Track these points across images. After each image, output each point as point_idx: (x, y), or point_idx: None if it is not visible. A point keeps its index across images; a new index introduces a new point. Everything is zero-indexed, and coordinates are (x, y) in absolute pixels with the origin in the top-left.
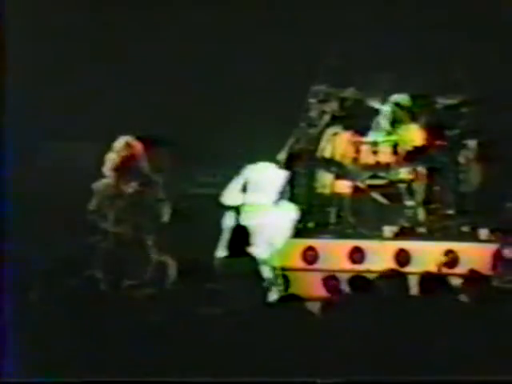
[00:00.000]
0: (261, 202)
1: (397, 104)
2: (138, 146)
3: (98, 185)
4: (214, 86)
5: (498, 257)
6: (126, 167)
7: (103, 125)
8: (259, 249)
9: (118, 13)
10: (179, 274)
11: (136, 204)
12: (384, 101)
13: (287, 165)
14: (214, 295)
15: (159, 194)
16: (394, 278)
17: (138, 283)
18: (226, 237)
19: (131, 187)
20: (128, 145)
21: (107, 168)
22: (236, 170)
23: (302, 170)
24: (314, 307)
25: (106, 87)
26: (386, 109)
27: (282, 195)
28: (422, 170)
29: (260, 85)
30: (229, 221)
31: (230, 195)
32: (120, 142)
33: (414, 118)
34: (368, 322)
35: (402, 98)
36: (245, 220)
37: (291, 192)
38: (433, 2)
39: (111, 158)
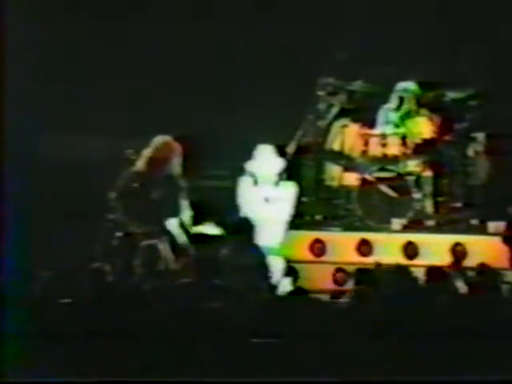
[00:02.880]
0: (266, 188)
1: (405, 90)
2: (177, 147)
3: (127, 173)
4: (222, 81)
5: None
6: (158, 165)
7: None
8: (268, 238)
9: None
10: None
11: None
12: (391, 92)
13: (295, 157)
14: (220, 289)
15: (181, 198)
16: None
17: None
18: (233, 230)
19: (157, 191)
20: (166, 144)
21: (141, 162)
22: (245, 162)
23: (310, 162)
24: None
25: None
26: (394, 98)
27: (280, 179)
28: (430, 162)
29: (268, 78)
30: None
31: (244, 193)
32: (158, 140)
33: (422, 110)
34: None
35: (410, 84)
36: (251, 210)
37: (299, 185)
38: None
39: (146, 154)
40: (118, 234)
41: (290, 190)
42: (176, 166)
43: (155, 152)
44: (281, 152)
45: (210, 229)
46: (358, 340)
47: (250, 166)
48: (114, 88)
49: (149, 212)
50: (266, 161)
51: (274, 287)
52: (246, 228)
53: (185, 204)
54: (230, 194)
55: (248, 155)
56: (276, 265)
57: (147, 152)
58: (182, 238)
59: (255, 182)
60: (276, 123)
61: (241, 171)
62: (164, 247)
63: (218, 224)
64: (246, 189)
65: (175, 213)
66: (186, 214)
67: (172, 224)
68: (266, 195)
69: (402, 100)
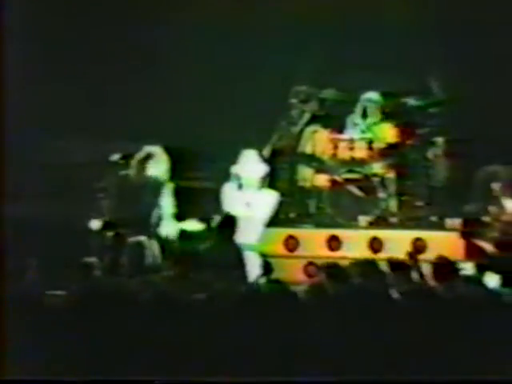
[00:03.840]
0: (248, 193)
1: (369, 100)
2: (162, 157)
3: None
4: (206, 90)
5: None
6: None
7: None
8: (247, 236)
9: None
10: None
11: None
12: (358, 100)
13: (271, 160)
14: (200, 282)
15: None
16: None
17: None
18: (215, 227)
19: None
20: (151, 155)
21: (131, 167)
22: (226, 163)
23: (284, 164)
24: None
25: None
26: (359, 106)
27: (263, 184)
28: (394, 165)
29: (246, 85)
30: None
31: (228, 196)
32: (145, 152)
33: (386, 117)
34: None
35: (374, 94)
36: (233, 211)
37: (274, 185)
38: (408, 10)
39: (133, 165)
40: (109, 233)
41: (271, 196)
42: (163, 171)
43: (145, 159)
44: (268, 157)
45: (192, 225)
46: (328, 327)
47: (235, 169)
48: (102, 94)
49: (137, 211)
50: (250, 165)
51: (251, 280)
52: (228, 226)
53: (170, 203)
54: (215, 195)
55: (233, 159)
56: (253, 259)
57: (137, 157)
58: (167, 235)
59: (240, 186)
60: (257, 128)
61: (225, 174)
62: (151, 244)
63: (201, 221)
64: (230, 193)
65: (161, 211)
66: (171, 212)
67: (158, 222)
68: (247, 200)
69: (367, 108)
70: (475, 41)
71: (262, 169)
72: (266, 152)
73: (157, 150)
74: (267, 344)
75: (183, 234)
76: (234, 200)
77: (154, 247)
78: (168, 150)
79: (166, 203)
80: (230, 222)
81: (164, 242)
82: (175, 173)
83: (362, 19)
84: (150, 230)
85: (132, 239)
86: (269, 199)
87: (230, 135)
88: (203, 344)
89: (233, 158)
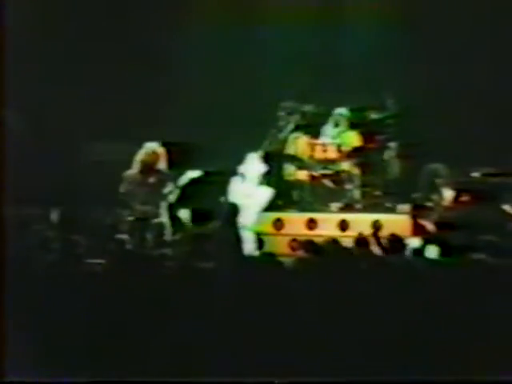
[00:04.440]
0: (249, 186)
1: (339, 114)
2: (161, 152)
3: (127, 174)
4: (210, 103)
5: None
6: (149, 166)
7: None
8: (246, 219)
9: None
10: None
11: (155, 190)
12: (331, 114)
13: (264, 160)
14: (208, 254)
15: (169, 185)
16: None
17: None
18: (222, 211)
19: (152, 179)
20: (153, 151)
21: (135, 164)
22: (228, 163)
23: (274, 163)
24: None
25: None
26: (332, 119)
27: (261, 181)
28: (358, 163)
29: (244, 100)
30: (226, 200)
31: (238, 190)
32: (147, 148)
33: (353, 127)
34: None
35: (343, 110)
36: (236, 200)
37: (267, 179)
38: (369, 44)
39: (138, 159)
40: (130, 217)
41: (266, 191)
42: (163, 164)
43: (145, 157)
44: (264, 159)
45: (184, 213)
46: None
47: (241, 168)
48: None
49: (149, 199)
50: (252, 165)
51: (247, 252)
52: (232, 212)
53: (174, 193)
54: (223, 188)
55: (236, 159)
56: (249, 237)
57: (138, 157)
58: (182, 217)
59: (243, 181)
60: (253, 136)
61: (233, 172)
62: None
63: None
64: (235, 185)
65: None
66: (174, 201)
67: (164, 208)
68: (248, 192)
69: (338, 120)
70: (419, 67)
71: (261, 168)
72: (260, 154)
73: (158, 147)
74: (260, 300)
75: (195, 217)
76: (238, 191)
77: (170, 227)
78: (174, 146)
79: (179, 193)
80: (234, 209)
81: (178, 224)
82: (187, 167)
83: (336, 51)
84: (169, 213)
85: (155, 220)
86: (265, 193)
87: (233, 139)
88: (211, 300)
89: (236, 158)
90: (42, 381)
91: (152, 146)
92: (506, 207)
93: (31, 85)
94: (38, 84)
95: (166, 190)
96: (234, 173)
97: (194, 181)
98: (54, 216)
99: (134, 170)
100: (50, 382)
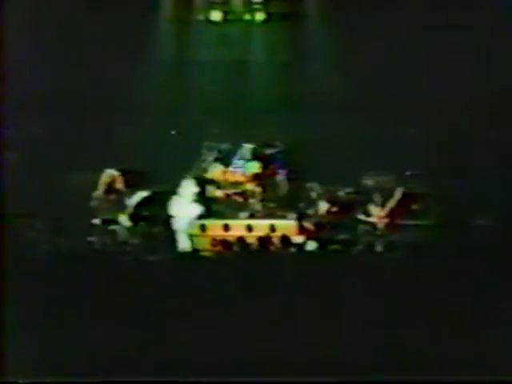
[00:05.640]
0: (184, 204)
1: (246, 149)
2: (118, 176)
3: (95, 194)
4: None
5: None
6: (109, 186)
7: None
8: (181, 225)
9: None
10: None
11: (115, 204)
12: (240, 148)
13: (196, 183)
14: (154, 249)
15: (126, 200)
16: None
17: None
18: (163, 220)
19: (113, 196)
20: (111, 175)
21: (99, 186)
22: (171, 186)
23: (193, 185)
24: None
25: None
26: (241, 152)
27: (193, 198)
28: (259, 184)
29: (178, 141)
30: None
31: (176, 205)
32: (106, 173)
33: (255, 158)
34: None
35: (249, 145)
36: (174, 212)
37: (198, 197)
38: (266, 100)
39: (101, 182)
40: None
41: (197, 207)
42: (120, 185)
43: (105, 180)
44: (196, 182)
45: (123, 220)
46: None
47: (180, 189)
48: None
49: (111, 211)
50: (186, 187)
51: (181, 248)
52: (170, 219)
53: (130, 206)
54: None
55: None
56: (183, 237)
57: (101, 180)
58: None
59: (180, 198)
60: (184, 165)
61: (173, 192)
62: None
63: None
64: (175, 201)
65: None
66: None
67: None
68: (183, 206)
69: (245, 153)
70: (300, 118)
71: (194, 189)
72: (190, 179)
73: (115, 172)
74: (190, 282)
75: (145, 223)
76: (175, 206)
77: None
78: (128, 172)
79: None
80: (171, 218)
81: (133, 228)
82: (139, 188)
83: (248, 104)
84: (127, 220)
85: (110, 227)
86: (196, 209)
87: (172, 168)
88: (155, 283)
89: (174, 181)
90: (42, 381)
91: (111, 172)
92: (360, 215)
93: None
94: None
95: (124, 204)
96: (174, 192)
97: (145, 198)
98: (41, 224)
99: (100, 190)
100: (49, 382)
